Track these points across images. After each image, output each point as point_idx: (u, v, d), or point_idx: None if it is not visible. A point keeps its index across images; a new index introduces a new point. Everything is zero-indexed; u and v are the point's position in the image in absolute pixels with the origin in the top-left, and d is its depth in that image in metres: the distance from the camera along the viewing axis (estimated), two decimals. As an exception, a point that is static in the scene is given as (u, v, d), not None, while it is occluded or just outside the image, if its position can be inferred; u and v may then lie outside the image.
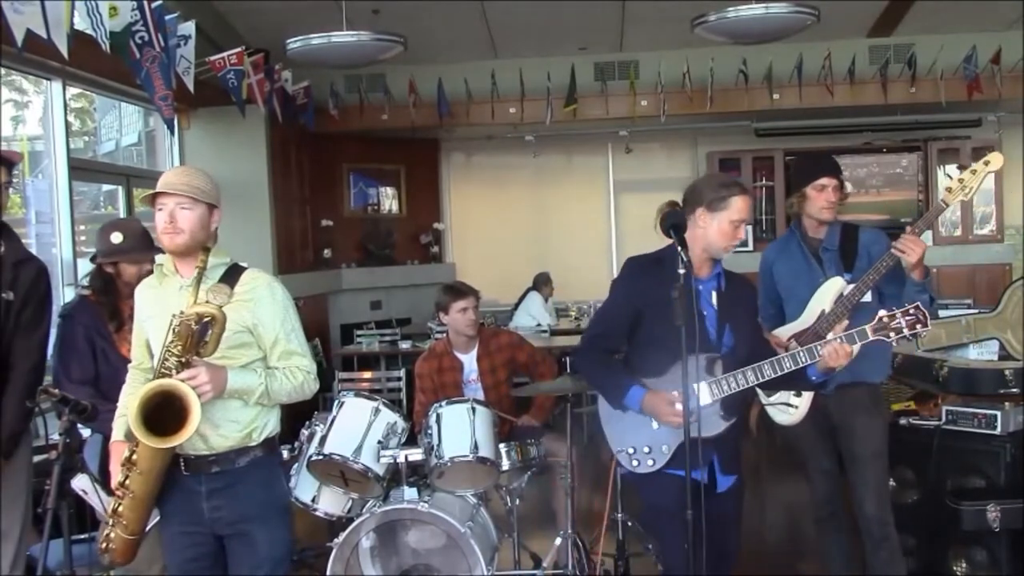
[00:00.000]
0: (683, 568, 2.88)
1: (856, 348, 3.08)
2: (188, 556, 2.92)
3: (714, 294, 3.16)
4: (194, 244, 2.81)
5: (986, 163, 3.51)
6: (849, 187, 9.78)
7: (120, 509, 2.80)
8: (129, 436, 2.84)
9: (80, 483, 3.08)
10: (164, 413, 2.63)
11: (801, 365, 3.08)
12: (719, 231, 3.09)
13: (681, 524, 2.79)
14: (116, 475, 2.82)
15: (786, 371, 3.07)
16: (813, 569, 4.66)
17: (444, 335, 4.87)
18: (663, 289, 2.88)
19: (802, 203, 3.78)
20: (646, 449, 3.06)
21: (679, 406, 2.90)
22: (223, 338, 2.73)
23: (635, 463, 3.09)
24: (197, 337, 2.67)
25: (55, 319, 3.59)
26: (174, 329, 2.67)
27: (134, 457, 2.73)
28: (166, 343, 2.68)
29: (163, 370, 2.68)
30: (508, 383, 4.66)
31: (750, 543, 5.03)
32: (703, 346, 2.96)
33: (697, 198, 3.14)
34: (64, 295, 6.29)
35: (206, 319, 2.66)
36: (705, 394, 3.02)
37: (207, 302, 2.69)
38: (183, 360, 2.66)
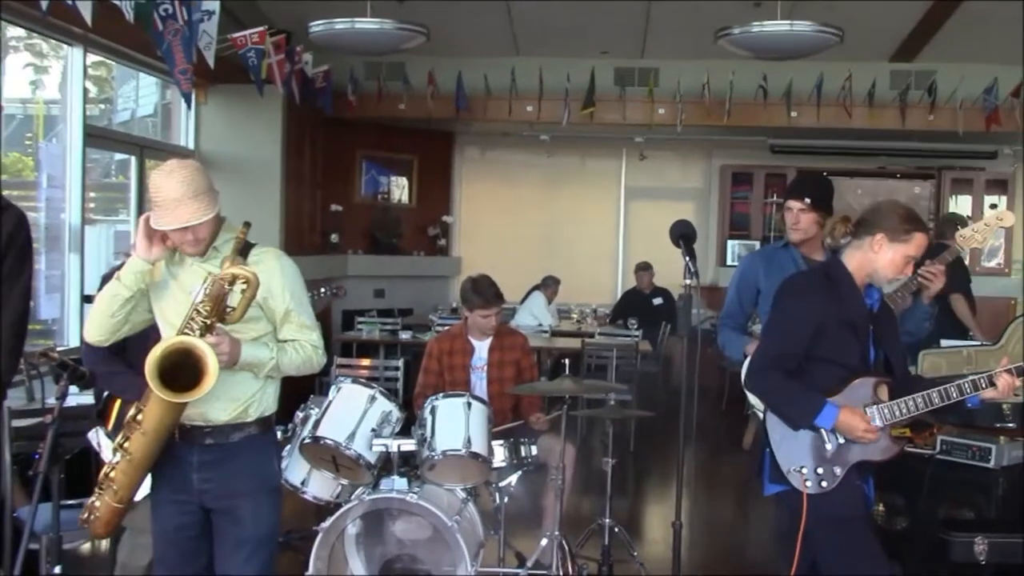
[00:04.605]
0: (884, 566, 3.02)
1: (1020, 381, 3.04)
2: (174, 524, 2.92)
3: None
4: (213, 239, 2.83)
5: (999, 219, 3.60)
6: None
7: (113, 474, 2.79)
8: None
9: (94, 436, 3.06)
10: (178, 372, 2.63)
11: (967, 396, 3.04)
12: (891, 262, 3.05)
13: (868, 526, 3.03)
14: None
15: (953, 400, 3.04)
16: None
17: (456, 323, 4.86)
18: (839, 304, 3.00)
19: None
20: (819, 471, 3.04)
21: (875, 423, 3.00)
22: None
23: (807, 483, 3.04)
24: (225, 300, 2.68)
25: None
26: (206, 289, 2.68)
27: (139, 416, 2.72)
28: (196, 302, 2.68)
29: (187, 329, 2.67)
30: (512, 383, 4.65)
31: (749, 559, 5.04)
32: (867, 367, 3.05)
33: (879, 222, 3.07)
34: (69, 261, 6.30)
35: (241, 280, 2.68)
36: (876, 419, 3.03)
37: (242, 266, 2.71)
38: (208, 323, 2.66)
